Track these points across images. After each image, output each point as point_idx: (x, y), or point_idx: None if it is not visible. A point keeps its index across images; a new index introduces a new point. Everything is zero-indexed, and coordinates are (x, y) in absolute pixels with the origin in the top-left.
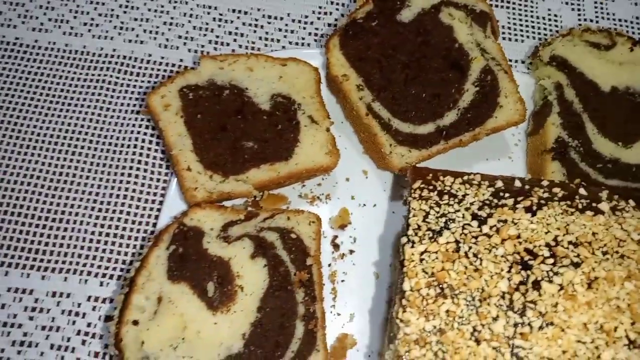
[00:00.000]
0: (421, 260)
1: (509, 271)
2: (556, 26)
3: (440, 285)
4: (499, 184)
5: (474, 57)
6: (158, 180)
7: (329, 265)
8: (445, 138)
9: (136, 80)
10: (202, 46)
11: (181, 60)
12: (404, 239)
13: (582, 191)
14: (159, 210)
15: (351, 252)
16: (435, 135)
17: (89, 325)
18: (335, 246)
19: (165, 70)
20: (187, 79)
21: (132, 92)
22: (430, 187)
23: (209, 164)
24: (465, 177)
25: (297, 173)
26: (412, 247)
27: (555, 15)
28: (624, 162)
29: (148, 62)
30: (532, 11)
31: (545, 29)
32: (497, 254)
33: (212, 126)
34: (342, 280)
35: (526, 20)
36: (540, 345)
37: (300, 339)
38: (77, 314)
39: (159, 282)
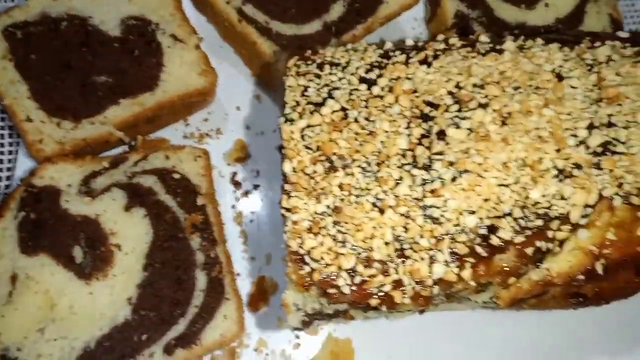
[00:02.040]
0: (302, 136)
1: (407, 127)
2: None
3: (329, 158)
4: (388, 45)
5: None
6: (2, 152)
7: (233, 206)
8: (336, 35)
9: None
10: None
11: None
12: (280, 120)
13: (483, 38)
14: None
15: (255, 187)
16: (324, 33)
17: None
18: (236, 184)
19: None
20: (12, 16)
21: None
22: (309, 62)
23: (53, 109)
24: (350, 46)
25: (168, 102)
26: (291, 124)
27: None
28: (531, 25)
29: None
30: None
31: None
32: (393, 113)
33: (52, 65)
34: (251, 221)
35: None
36: (456, 198)
37: (203, 290)
38: None
39: (10, 258)
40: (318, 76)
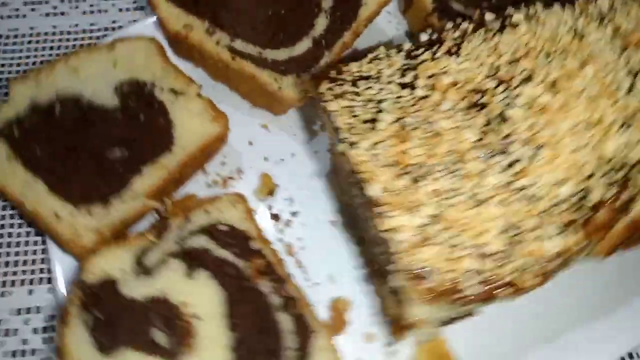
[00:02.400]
0: (372, 156)
1: (466, 119)
2: None
3: (407, 170)
4: (407, 45)
5: None
6: (34, 261)
7: (280, 240)
8: (327, 47)
9: None
10: (134, 2)
11: (114, 22)
12: (342, 146)
13: (488, 16)
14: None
15: (294, 214)
16: (316, 49)
17: None
18: (275, 217)
19: (97, 38)
20: (2, 115)
21: None
22: (340, 82)
23: (77, 198)
24: (370, 56)
25: (190, 158)
26: (356, 147)
27: None
28: None
29: (77, 32)
30: None
31: None
32: (445, 109)
33: (60, 154)
34: (302, 248)
35: None
36: (543, 173)
37: (291, 330)
38: None
39: None
40: (357, 94)
